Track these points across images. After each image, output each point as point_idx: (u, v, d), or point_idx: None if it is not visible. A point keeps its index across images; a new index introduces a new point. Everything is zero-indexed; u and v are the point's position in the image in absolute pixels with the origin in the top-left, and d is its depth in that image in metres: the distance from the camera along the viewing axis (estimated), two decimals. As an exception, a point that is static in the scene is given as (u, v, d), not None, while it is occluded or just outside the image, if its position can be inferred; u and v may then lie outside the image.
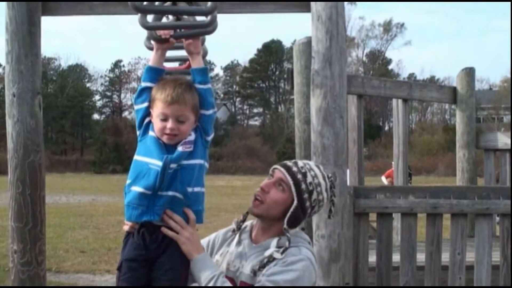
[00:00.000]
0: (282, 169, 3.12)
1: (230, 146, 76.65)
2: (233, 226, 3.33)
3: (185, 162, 3.05)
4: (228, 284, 2.94)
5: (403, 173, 8.78)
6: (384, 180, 24.06)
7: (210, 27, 3.18)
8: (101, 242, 18.73)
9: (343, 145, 5.10)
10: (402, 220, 5.62)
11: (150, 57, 3.32)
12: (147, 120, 3.19)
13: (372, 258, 5.66)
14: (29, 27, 4.97)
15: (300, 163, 3.17)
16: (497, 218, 6.15)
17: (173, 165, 3.02)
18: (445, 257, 5.60)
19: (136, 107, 3.27)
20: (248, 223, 3.32)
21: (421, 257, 5.63)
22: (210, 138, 3.20)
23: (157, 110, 3.10)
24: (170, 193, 3.01)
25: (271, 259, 2.96)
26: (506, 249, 5.60)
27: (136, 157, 3.12)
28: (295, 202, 3.05)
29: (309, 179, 3.07)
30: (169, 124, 3.06)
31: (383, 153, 60.90)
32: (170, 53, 3.40)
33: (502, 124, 72.34)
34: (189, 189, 3.05)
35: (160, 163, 3.00)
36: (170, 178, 3.01)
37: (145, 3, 3.09)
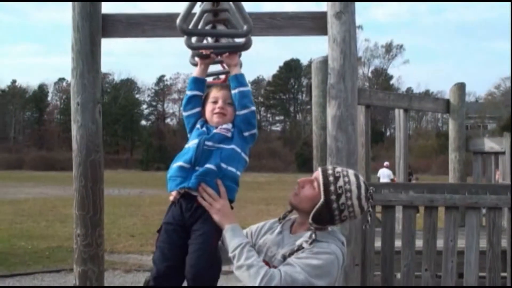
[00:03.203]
0: (320, 170, 2.99)
1: (255, 148, 76.04)
2: (280, 216, 3.23)
3: (222, 145, 3.01)
4: (254, 253, 2.84)
5: (404, 172, 8.75)
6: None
7: (245, 47, 3.19)
8: (148, 228, 18.81)
9: (354, 148, 5.08)
10: (403, 212, 5.60)
11: (191, 72, 3.34)
12: (198, 121, 3.20)
13: (378, 244, 5.64)
14: (91, 47, 5.01)
15: (339, 168, 2.99)
16: (484, 211, 6.10)
17: (208, 143, 3.00)
18: (440, 243, 5.57)
19: (186, 113, 3.26)
20: (293, 216, 3.18)
21: (419, 243, 5.60)
22: (247, 134, 3.13)
23: (210, 98, 3.18)
24: (206, 165, 2.95)
25: (300, 248, 2.84)
26: (491, 237, 5.55)
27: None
28: (321, 200, 2.87)
29: (340, 183, 2.88)
30: (219, 104, 3.12)
31: (385, 155, 60.47)
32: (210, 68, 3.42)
33: (486, 131, 71.83)
34: (223, 165, 2.98)
35: (197, 141, 3.02)
36: (206, 155, 2.98)
37: (190, 26, 3.10)
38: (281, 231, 3.10)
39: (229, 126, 3.10)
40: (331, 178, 2.91)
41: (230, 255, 2.85)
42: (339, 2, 4.97)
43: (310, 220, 2.91)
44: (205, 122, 3.18)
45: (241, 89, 3.12)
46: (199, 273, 2.85)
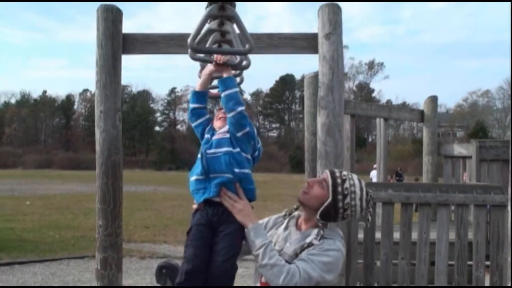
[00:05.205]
0: (328, 172, 2.96)
1: (254, 151, 76.26)
2: (284, 212, 3.17)
3: (224, 148, 2.88)
4: (275, 252, 2.77)
5: (383, 173, 8.76)
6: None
7: (241, 66, 3.13)
8: (160, 220, 18.83)
9: (340, 152, 5.06)
10: (383, 208, 5.59)
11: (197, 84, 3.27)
12: (207, 129, 3.08)
13: (361, 235, 5.63)
14: (113, 63, 5.00)
15: (345, 172, 2.97)
16: (453, 207, 6.10)
17: (210, 151, 2.88)
18: (414, 235, 5.56)
19: (194, 124, 3.17)
20: (296, 213, 3.14)
21: (396, 235, 5.59)
22: (240, 134, 2.94)
23: (219, 107, 3.09)
24: (223, 175, 2.83)
25: (310, 244, 2.81)
26: (459, 230, 5.55)
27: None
28: (329, 199, 2.85)
29: (346, 185, 2.86)
30: (223, 110, 3.02)
31: (367, 158, 60.60)
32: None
33: (455, 138, 72.14)
34: (237, 170, 2.84)
35: (200, 153, 2.92)
36: (214, 161, 2.86)
37: (196, 41, 3.04)
38: (287, 226, 3.06)
39: (226, 128, 2.97)
40: (339, 180, 2.89)
41: (254, 253, 2.78)
42: (329, 25, 4.97)
43: (318, 216, 2.87)
44: (213, 130, 3.06)
45: (226, 92, 2.92)
46: (226, 270, 2.74)
